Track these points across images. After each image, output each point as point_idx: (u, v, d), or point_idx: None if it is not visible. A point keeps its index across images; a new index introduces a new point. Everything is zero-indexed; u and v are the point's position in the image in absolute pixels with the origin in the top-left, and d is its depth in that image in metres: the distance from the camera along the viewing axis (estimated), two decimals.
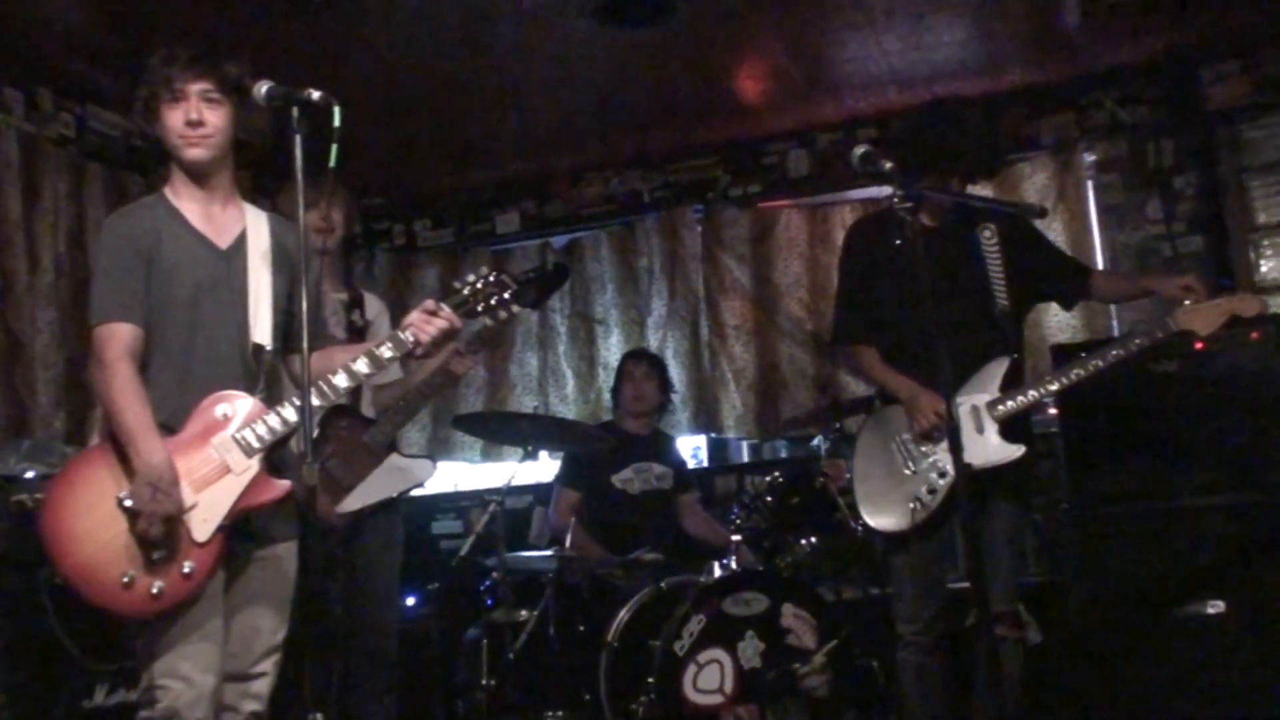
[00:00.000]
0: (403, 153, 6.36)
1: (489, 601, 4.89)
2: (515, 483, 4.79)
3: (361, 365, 3.01)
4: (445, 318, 3.06)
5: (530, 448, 4.80)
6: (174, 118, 2.99)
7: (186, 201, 3.09)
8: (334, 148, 2.72)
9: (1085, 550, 4.43)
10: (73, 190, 5.15)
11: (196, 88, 2.98)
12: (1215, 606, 4.19)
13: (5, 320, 4.81)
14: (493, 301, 3.14)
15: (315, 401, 2.89)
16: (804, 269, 6.30)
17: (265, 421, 2.94)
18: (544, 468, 6.08)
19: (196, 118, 2.98)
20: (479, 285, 3.13)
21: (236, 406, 2.97)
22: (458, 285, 3.14)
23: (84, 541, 2.81)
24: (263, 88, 2.81)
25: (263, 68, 2.95)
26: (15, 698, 3.85)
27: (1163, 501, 4.32)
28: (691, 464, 6.60)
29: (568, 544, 4.80)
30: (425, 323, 3.05)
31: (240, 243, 3.11)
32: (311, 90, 2.74)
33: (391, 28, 4.88)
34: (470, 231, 6.97)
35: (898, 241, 3.64)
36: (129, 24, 4.62)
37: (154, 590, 2.81)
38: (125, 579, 2.79)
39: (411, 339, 3.03)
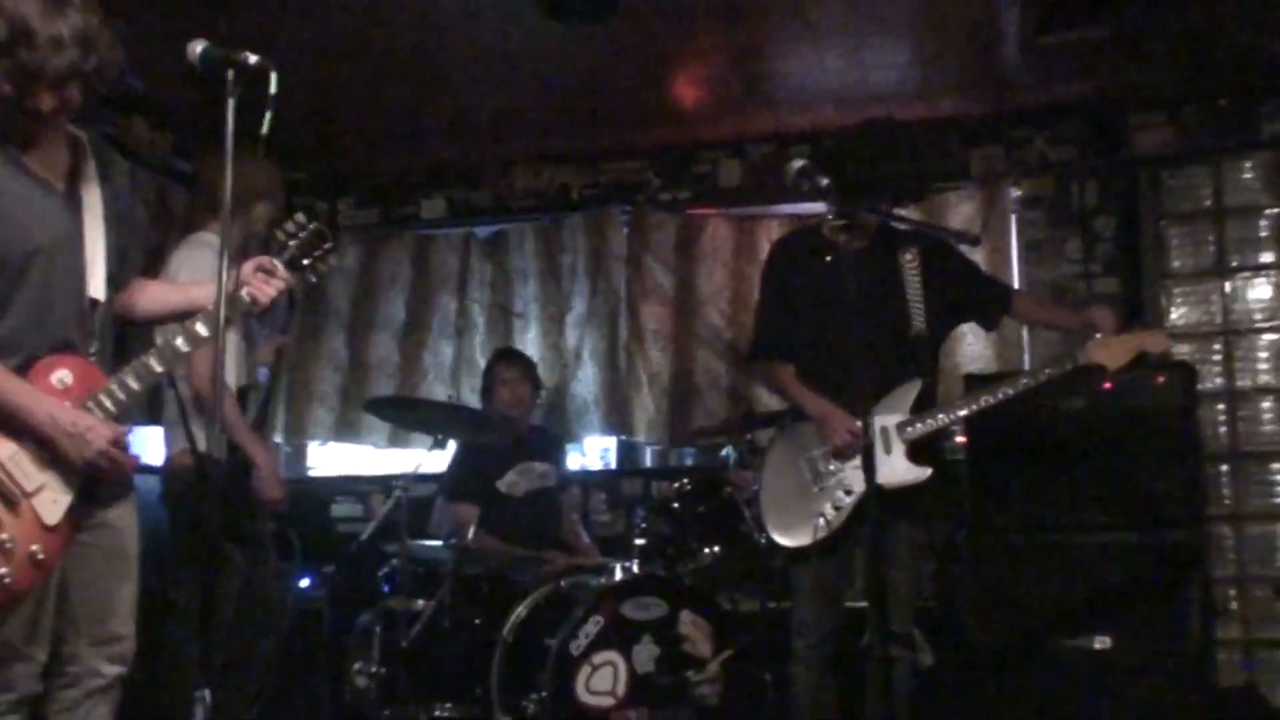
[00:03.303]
0: (331, 128, 6.25)
1: (385, 588, 4.84)
2: (421, 471, 4.74)
3: (200, 328, 2.81)
4: (283, 278, 2.91)
5: (440, 436, 4.77)
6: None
7: (18, 138, 2.75)
8: (268, 115, 2.62)
9: (980, 578, 4.50)
10: None
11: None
12: (1102, 642, 4.27)
13: None
14: (315, 254, 2.98)
15: (156, 366, 2.78)
16: (727, 279, 6.30)
17: (111, 390, 2.74)
18: (450, 457, 6.01)
19: None
20: (303, 235, 2.95)
21: (72, 372, 2.73)
22: (282, 236, 2.96)
23: None
24: (197, 47, 2.67)
25: (197, 28, 2.83)
26: None
27: (1058, 535, 4.41)
28: (599, 465, 6.59)
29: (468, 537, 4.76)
30: (264, 282, 2.88)
31: (74, 181, 2.84)
32: (249, 54, 2.65)
33: None
34: (395, 215, 6.88)
35: (828, 259, 3.66)
36: None
37: (3, 580, 2.57)
38: None
39: (248, 298, 2.87)
